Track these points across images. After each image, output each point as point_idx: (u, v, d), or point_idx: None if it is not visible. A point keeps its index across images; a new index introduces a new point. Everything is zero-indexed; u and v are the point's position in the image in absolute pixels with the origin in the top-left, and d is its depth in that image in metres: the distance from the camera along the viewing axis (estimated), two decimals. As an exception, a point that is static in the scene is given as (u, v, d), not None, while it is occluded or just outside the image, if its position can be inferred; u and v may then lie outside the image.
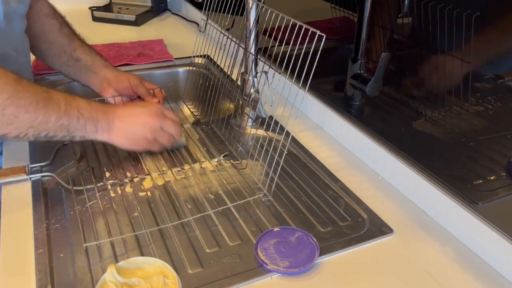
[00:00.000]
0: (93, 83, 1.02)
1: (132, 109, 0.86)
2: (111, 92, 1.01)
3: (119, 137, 0.81)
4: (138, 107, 0.88)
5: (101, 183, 0.83)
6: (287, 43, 0.76)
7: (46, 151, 0.89)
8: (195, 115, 1.10)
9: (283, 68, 0.78)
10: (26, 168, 0.81)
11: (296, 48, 0.74)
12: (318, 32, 0.69)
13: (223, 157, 0.92)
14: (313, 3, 1.11)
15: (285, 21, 0.77)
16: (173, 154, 0.94)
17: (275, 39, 0.85)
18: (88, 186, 0.82)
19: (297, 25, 0.73)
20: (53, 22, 0.99)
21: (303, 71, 0.71)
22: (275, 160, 0.79)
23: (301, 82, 0.73)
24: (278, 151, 0.78)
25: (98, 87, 1.02)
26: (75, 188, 0.80)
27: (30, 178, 0.81)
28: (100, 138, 0.80)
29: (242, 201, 0.78)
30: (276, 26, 0.79)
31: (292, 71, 0.73)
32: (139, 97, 1.04)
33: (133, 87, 1.00)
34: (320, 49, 0.68)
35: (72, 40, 1.00)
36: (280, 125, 0.84)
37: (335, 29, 1.05)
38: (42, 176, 0.82)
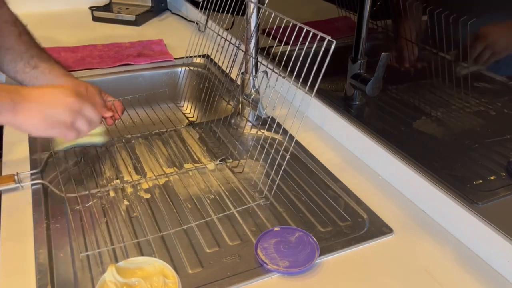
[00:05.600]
0: None
1: (44, 88, 0.75)
2: None
3: (30, 119, 0.70)
4: (51, 87, 0.76)
5: (102, 183, 0.83)
6: (288, 43, 0.76)
7: (44, 155, 0.89)
8: (188, 118, 1.09)
9: (287, 71, 0.77)
10: (16, 177, 0.79)
11: (296, 49, 0.74)
12: (328, 38, 0.68)
13: (219, 161, 0.91)
14: (315, 3, 1.11)
15: (286, 21, 0.77)
16: (172, 154, 0.94)
17: (274, 38, 0.84)
18: (82, 193, 0.80)
19: (303, 28, 0.73)
20: (12, 29, 0.96)
21: (306, 73, 0.70)
22: (276, 162, 0.79)
23: (308, 86, 0.72)
24: (280, 154, 0.78)
25: None
26: (68, 195, 0.79)
27: (22, 186, 0.79)
28: (2, 121, 0.69)
29: (245, 207, 0.78)
30: (275, 26, 0.79)
31: (296, 74, 0.73)
32: None
33: (90, 96, 0.94)
34: (329, 55, 0.67)
35: (30, 48, 0.97)
36: (279, 125, 0.84)
37: (335, 29, 1.05)
38: (32, 185, 0.79)
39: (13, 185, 0.78)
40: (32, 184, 0.79)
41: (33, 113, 0.70)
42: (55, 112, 0.71)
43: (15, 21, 0.98)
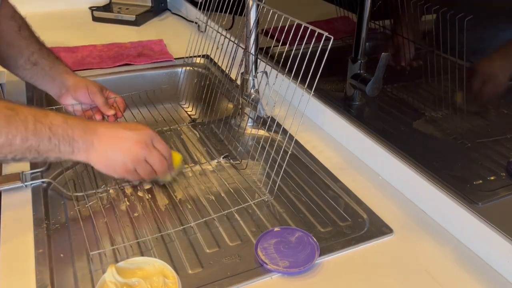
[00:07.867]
0: (51, 88, 0.96)
1: (117, 130, 0.75)
2: (69, 100, 0.95)
3: (97, 160, 0.73)
4: (125, 129, 0.75)
5: (101, 183, 0.83)
6: (288, 44, 0.76)
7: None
8: (190, 116, 1.09)
9: (286, 70, 0.77)
10: (21, 175, 0.79)
11: (294, 48, 0.74)
12: (326, 34, 0.68)
13: (222, 158, 0.92)
14: (315, 3, 1.11)
15: (284, 20, 0.77)
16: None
17: (272, 37, 0.84)
18: (88, 192, 0.81)
19: (302, 26, 0.73)
20: (11, 24, 0.94)
21: (305, 72, 0.70)
22: (277, 163, 0.79)
23: (306, 84, 0.72)
24: (280, 155, 0.78)
25: (56, 93, 0.96)
26: (75, 194, 0.80)
27: (25, 185, 0.79)
28: (77, 159, 0.72)
29: (245, 205, 0.78)
30: (273, 26, 0.79)
31: (296, 73, 0.73)
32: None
33: (91, 95, 0.94)
34: (327, 51, 0.67)
35: (30, 43, 0.95)
36: (279, 125, 0.84)
37: (335, 30, 1.05)
38: (41, 183, 0.80)
39: (19, 184, 0.78)
40: (36, 183, 0.79)
41: (99, 156, 0.72)
42: (118, 158, 0.73)
43: (14, 15, 0.96)
